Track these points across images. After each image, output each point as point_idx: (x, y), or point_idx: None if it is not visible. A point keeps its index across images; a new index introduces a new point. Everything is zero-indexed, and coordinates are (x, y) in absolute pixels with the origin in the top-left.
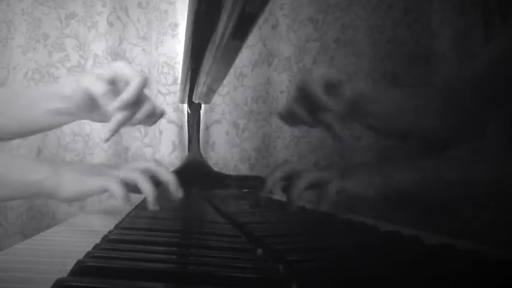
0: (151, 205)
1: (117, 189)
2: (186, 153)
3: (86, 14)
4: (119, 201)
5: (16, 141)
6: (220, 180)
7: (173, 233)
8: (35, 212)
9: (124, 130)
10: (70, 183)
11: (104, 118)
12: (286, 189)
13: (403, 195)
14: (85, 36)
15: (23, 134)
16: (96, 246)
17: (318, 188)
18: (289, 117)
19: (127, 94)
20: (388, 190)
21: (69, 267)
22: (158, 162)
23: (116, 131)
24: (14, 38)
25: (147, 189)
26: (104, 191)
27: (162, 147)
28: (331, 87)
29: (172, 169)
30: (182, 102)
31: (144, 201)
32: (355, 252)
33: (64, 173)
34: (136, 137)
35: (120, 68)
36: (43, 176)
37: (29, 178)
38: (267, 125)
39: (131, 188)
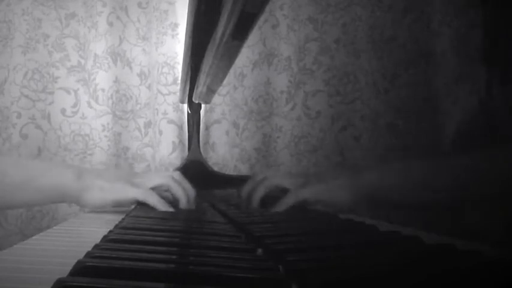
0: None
1: (155, 201)
2: (186, 153)
3: (86, 14)
4: (159, 209)
5: (16, 141)
6: (220, 180)
7: (173, 233)
8: (35, 212)
9: (124, 130)
10: (96, 190)
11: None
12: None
13: (376, 198)
14: (85, 36)
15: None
16: (96, 246)
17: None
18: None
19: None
20: (356, 195)
21: (69, 267)
22: (180, 174)
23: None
24: (14, 38)
25: (180, 194)
26: (137, 201)
27: (162, 147)
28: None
29: (172, 169)
30: (182, 102)
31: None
32: (355, 252)
33: (91, 179)
34: (136, 137)
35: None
36: (69, 181)
37: (55, 182)
38: (267, 125)
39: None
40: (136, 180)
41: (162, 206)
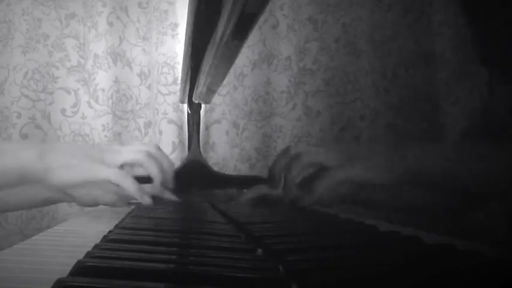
0: (158, 189)
1: (130, 186)
2: (186, 153)
3: (86, 14)
4: (135, 197)
5: (15, 141)
6: (220, 180)
7: (173, 233)
8: (35, 212)
9: (124, 130)
10: (63, 168)
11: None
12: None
13: (423, 178)
14: (85, 36)
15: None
16: (96, 246)
17: (315, 174)
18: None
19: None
20: (406, 172)
21: (69, 267)
22: (157, 147)
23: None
24: (14, 38)
25: (155, 172)
26: (108, 182)
27: (162, 147)
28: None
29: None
30: (182, 102)
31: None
32: (355, 252)
33: (55, 157)
34: (136, 137)
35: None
36: (31, 161)
37: (15, 163)
38: (267, 125)
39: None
40: (107, 157)
41: (137, 192)
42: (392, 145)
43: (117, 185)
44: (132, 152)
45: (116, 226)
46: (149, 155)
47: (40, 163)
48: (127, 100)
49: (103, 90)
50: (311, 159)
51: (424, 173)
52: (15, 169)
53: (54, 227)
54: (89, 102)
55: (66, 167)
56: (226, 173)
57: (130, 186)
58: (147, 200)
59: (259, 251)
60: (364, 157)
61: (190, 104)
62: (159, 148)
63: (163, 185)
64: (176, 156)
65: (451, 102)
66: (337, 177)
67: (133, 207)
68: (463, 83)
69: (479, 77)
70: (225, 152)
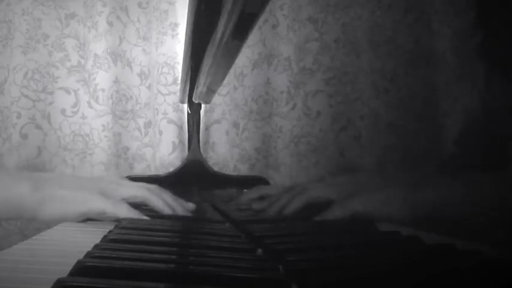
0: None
1: (124, 213)
2: (186, 153)
3: (86, 14)
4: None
5: (16, 141)
6: (220, 180)
7: (173, 233)
8: None
9: (124, 130)
10: (56, 202)
11: None
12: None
13: (434, 215)
14: (85, 36)
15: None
16: (96, 246)
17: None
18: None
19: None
20: (416, 210)
21: (69, 267)
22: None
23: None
24: (14, 38)
25: (161, 206)
26: (106, 213)
27: (162, 147)
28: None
29: (172, 169)
30: (182, 102)
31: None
32: (355, 252)
33: (50, 189)
34: (136, 137)
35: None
36: (25, 193)
37: (10, 193)
38: (267, 125)
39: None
40: (106, 188)
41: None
42: (406, 178)
43: (114, 216)
44: (133, 188)
45: (116, 226)
46: (151, 191)
47: (33, 198)
48: (127, 100)
49: (103, 90)
50: (317, 193)
51: (441, 209)
52: (6, 203)
53: (55, 227)
54: (89, 102)
55: (60, 201)
56: (226, 173)
57: (126, 216)
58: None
59: (259, 251)
60: (370, 191)
61: (190, 104)
62: (159, 188)
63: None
64: (176, 156)
65: (451, 102)
66: (342, 210)
67: None
68: (463, 83)
69: (479, 76)
70: (225, 152)
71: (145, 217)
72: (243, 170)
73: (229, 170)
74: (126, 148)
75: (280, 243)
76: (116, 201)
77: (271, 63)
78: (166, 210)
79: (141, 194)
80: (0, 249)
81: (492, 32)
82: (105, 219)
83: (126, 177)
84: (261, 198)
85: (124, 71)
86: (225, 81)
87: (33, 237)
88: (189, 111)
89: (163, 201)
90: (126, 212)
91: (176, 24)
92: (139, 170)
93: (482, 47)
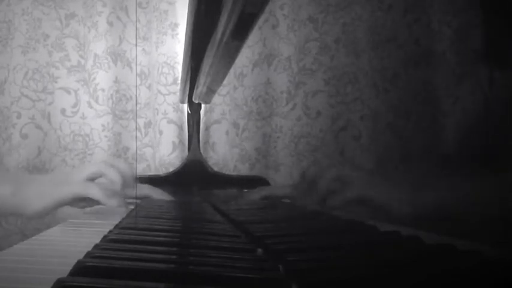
0: (118, 189)
1: (96, 192)
2: (186, 153)
3: (86, 14)
4: (102, 202)
5: (16, 141)
6: (220, 180)
7: (173, 233)
8: None
9: (124, 130)
10: (35, 198)
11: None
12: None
13: (436, 214)
14: (85, 36)
15: None
16: (96, 246)
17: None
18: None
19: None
20: (419, 208)
21: (69, 267)
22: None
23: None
24: (14, 38)
25: (115, 176)
26: (78, 197)
27: (162, 147)
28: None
29: (172, 169)
30: (182, 102)
31: (142, 203)
32: (355, 252)
33: (29, 188)
34: (136, 137)
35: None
36: (7, 192)
37: None
38: (267, 125)
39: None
40: (72, 177)
41: (104, 198)
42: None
43: (85, 196)
44: (90, 166)
45: (116, 226)
46: (106, 164)
47: (14, 198)
48: (127, 100)
49: (103, 90)
50: (364, 194)
51: (434, 209)
52: None
53: (54, 227)
54: (89, 102)
55: (38, 197)
56: (226, 173)
57: (95, 194)
58: (113, 203)
59: (259, 251)
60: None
61: (190, 104)
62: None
63: (126, 185)
64: (176, 156)
65: (451, 102)
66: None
67: (132, 207)
68: (463, 83)
69: (482, 76)
70: (225, 152)
71: (112, 198)
72: (243, 170)
73: (229, 170)
74: (126, 148)
75: (280, 243)
76: (83, 182)
77: (271, 63)
78: (117, 180)
79: (97, 168)
80: (0, 249)
81: (495, 31)
82: (87, 204)
83: None
84: (264, 199)
85: (124, 71)
86: (225, 81)
87: (33, 237)
88: (189, 111)
89: (116, 171)
90: (97, 190)
91: (176, 24)
92: (139, 170)
93: (485, 47)
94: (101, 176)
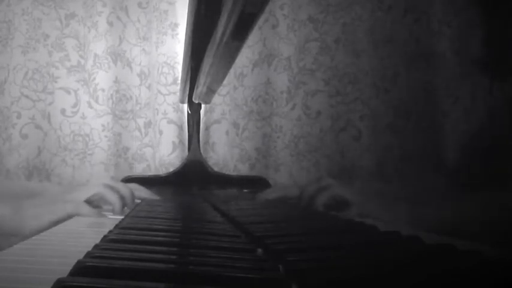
0: (118, 212)
1: (86, 212)
2: (186, 153)
3: (86, 14)
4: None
5: (16, 141)
6: (220, 180)
7: (173, 233)
8: None
9: (124, 130)
10: (31, 219)
11: None
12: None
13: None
14: (85, 36)
15: None
16: (96, 246)
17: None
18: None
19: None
20: (420, 225)
21: (69, 267)
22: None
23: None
24: (14, 38)
25: (114, 199)
26: (70, 216)
27: (162, 147)
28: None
29: (172, 169)
30: (182, 102)
31: (141, 204)
32: (355, 252)
33: (25, 209)
34: (136, 137)
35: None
36: (5, 213)
37: None
38: (267, 125)
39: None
40: (68, 196)
41: (96, 216)
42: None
43: (77, 215)
44: (90, 187)
45: (116, 226)
46: (106, 186)
47: (13, 220)
48: (127, 100)
49: (103, 90)
50: (339, 192)
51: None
52: None
53: (54, 227)
54: (89, 102)
55: (34, 218)
56: (226, 173)
57: (86, 212)
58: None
59: (259, 251)
60: (383, 205)
61: (190, 104)
62: (115, 181)
63: (124, 208)
64: (176, 156)
65: (451, 102)
66: (358, 212)
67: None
68: (463, 83)
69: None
70: (225, 152)
71: (105, 213)
72: (243, 170)
73: (229, 170)
74: (126, 148)
75: (280, 243)
76: (77, 203)
77: (271, 63)
78: (117, 204)
79: (96, 190)
80: (0, 249)
81: (494, 31)
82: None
83: (126, 177)
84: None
85: (124, 71)
86: (225, 81)
87: (33, 237)
88: (189, 111)
89: (115, 194)
90: (88, 210)
91: (176, 24)
92: (139, 170)
93: (486, 50)
94: (100, 198)
